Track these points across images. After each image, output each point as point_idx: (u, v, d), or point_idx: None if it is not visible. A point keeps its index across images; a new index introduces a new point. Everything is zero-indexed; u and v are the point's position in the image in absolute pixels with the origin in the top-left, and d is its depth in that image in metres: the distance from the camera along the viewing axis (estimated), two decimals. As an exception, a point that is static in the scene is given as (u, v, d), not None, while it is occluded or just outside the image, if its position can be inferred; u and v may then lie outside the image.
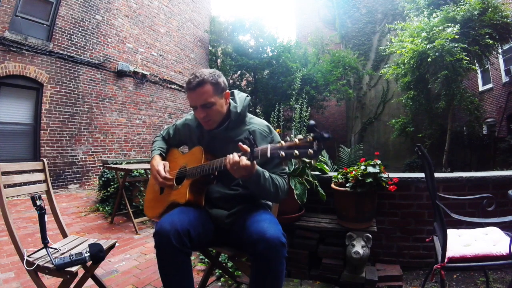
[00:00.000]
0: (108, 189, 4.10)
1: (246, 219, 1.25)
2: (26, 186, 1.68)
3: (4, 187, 1.45)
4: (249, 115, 1.47)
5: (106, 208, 3.94)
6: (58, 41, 5.95)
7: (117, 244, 1.82)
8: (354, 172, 2.00)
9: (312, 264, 2.11)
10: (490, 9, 6.95)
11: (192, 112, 1.56)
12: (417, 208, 2.20)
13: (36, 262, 1.32)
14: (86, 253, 1.32)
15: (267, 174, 1.24)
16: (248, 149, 1.10)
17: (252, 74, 11.67)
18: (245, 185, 1.24)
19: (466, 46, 6.57)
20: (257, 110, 10.45)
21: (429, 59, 6.60)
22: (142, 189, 3.89)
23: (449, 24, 6.69)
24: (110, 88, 7.09)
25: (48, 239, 1.41)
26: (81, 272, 1.43)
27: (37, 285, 1.38)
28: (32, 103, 5.73)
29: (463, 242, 1.42)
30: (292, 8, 30.98)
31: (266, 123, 1.46)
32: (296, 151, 0.97)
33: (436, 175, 1.75)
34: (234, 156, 1.12)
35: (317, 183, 2.15)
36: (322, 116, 13.10)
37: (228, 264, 2.12)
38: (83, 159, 6.44)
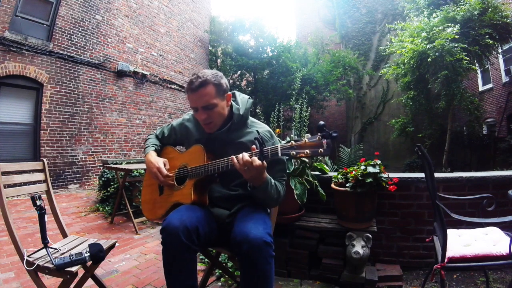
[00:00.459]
0: (108, 189, 4.10)
1: (236, 219, 1.25)
2: (26, 186, 1.68)
3: (4, 187, 1.45)
4: (251, 118, 1.46)
5: (106, 208, 3.94)
6: (58, 41, 5.95)
7: (117, 244, 1.82)
8: (354, 172, 2.00)
9: (312, 264, 2.11)
10: (490, 9, 6.95)
11: (190, 112, 1.55)
12: (417, 208, 2.20)
13: (36, 262, 1.32)
14: (86, 253, 1.32)
15: (273, 181, 1.26)
16: (257, 149, 1.11)
17: (252, 74, 11.67)
18: (253, 191, 1.24)
19: (466, 46, 6.57)
20: (257, 110, 10.45)
21: (429, 59, 6.60)
22: (142, 189, 3.88)
23: (449, 24, 6.69)
24: (110, 88, 7.09)
25: (48, 239, 1.41)
26: (81, 272, 1.43)
27: (37, 285, 1.38)
28: (32, 103, 5.73)
29: (463, 242, 1.42)
30: (292, 8, 31.00)
31: (268, 128, 1.45)
32: (307, 150, 1.01)
33: (436, 175, 1.75)
34: (245, 156, 1.12)
35: (317, 183, 2.15)
36: (322, 116, 13.09)
37: (228, 264, 2.12)
38: (83, 159, 6.45)
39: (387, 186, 1.96)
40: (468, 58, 6.59)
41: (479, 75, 10.25)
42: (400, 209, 2.22)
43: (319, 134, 1.01)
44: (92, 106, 6.66)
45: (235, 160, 1.14)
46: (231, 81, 11.79)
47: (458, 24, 6.71)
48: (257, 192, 1.23)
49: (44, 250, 1.39)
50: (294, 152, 1.03)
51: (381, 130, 11.29)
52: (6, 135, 5.37)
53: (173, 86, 9.04)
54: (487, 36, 6.88)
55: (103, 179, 4.22)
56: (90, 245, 1.37)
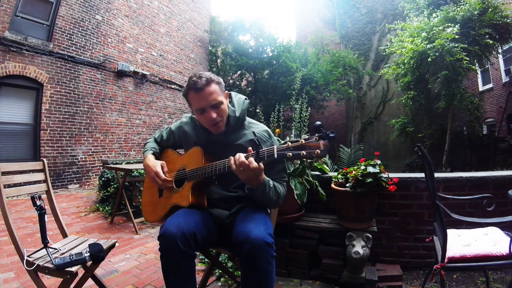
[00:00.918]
0: (108, 189, 4.10)
1: (237, 219, 1.25)
2: (26, 186, 1.68)
3: (4, 187, 1.45)
4: (248, 119, 1.46)
5: (106, 208, 3.94)
6: (58, 41, 5.95)
7: (117, 244, 1.82)
8: (354, 172, 2.00)
9: (312, 264, 2.11)
10: (490, 9, 6.95)
11: (188, 114, 1.55)
12: (417, 208, 2.20)
13: (36, 262, 1.32)
14: (86, 253, 1.32)
15: (271, 183, 1.25)
16: (253, 151, 1.11)
17: (252, 74, 11.67)
18: (251, 193, 1.24)
19: (466, 46, 6.57)
20: (257, 110, 10.45)
21: (429, 59, 6.60)
22: (142, 189, 3.88)
23: (449, 24, 6.69)
24: (110, 88, 7.09)
25: (48, 239, 1.41)
26: (81, 272, 1.43)
27: (37, 285, 1.38)
28: (32, 103, 5.73)
29: (463, 242, 1.42)
30: (292, 8, 31.00)
31: (266, 127, 1.44)
32: (304, 152, 0.99)
33: (436, 175, 1.75)
34: (241, 157, 1.11)
35: (317, 183, 2.15)
36: (322, 116, 13.10)
37: (228, 264, 2.12)
38: (83, 159, 6.45)
39: (387, 186, 1.96)
40: (468, 58, 6.58)
41: (479, 75, 10.25)
42: (400, 209, 2.22)
43: (316, 134, 0.99)
44: (92, 106, 6.66)
45: (232, 162, 1.14)
46: (231, 81, 11.80)
47: (458, 24, 6.71)
48: (255, 194, 1.23)
49: (44, 250, 1.39)
50: (290, 154, 1.01)
51: (381, 130, 11.29)
52: (6, 135, 5.37)
53: (173, 86, 9.04)
54: (487, 36, 6.88)
55: (103, 179, 4.22)
56: (90, 245, 1.38)
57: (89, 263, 1.38)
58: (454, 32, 6.42)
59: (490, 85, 10.15)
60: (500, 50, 8.18)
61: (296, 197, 1.96)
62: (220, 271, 2.08)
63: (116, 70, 7.17)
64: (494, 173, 2.24)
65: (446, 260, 1.29)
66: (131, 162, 4.66)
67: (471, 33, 6.93)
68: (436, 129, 8.50)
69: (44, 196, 1.54)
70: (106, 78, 7.00)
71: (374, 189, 1.95)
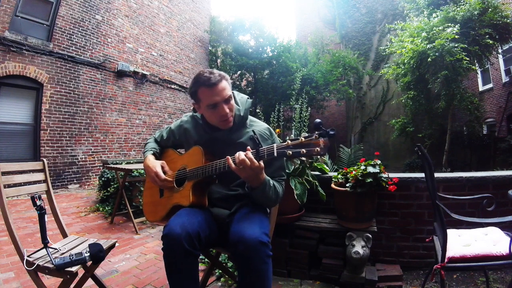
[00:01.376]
0: (108, 189, 4.10)
1: (234, 219, 1.25)
2: (26, 186, 1.68)
3: (4, 187, 1.45)
4: (250, 117, 1.46)
5: (106, 208, 3.94)
6: (58, 41, 5.95)
7: (117, 244, 1.82)
8: (354, 172, 2.00)
9: (312, 264, 2.11)
10: (490, 9, 6.95)
11: (188, 113, 1.55)
12: (417, 208, 2.20)
13: (36, 262, 1.32)
14: (86, 253, 1.32)
15: (271, 182, 1.25)
16: (252, 149, 1.10)
17: (252, 74, 11.67)
18: (251, 192, 1.24)
19: (466, 46, 6.57)
20: (257, 110, 10.45)
21: (429, 59, 6.60)
22: (142, 189, 3.89)
23: (449, 24, 6.69)
24: (110, 88, 7.10)
25: (48, 239, 1.41)
26: (81, 272, 1.43)
27: (37, 285, 1.38)
28: (32, 103, 5.73)
29: (463, 242, 1.42)
30: (292, 8, 31.00)
31: (267, 125, 1.45)
32: (304, 150, 0.98)
33: (436, 175, 1.75)
34: (240, 155, 1.11)
35: (317, 183, 2.15)
36: (322, 116, 13.08)
37: (228, 264, 2.12)
38: (83, 159, 6.45)
39: (387, 186, 1.96)
40: (468, 58, 6.58)
41: (479, 75, 10.25)
42: (400, 209, 2.22)
43: (316, 132, 0.99)
44: (92, 106, 6.66)
45: (230, 161, 1.14)
46: (231, 81, 11.75)
47: (458, 24, 6.71)
48: (255, 193, 1.23)
49: (44, 250, 1.39)
50: (290, 152, 1.01)
51: (381, 130, 11.28)
52: (6, 135, 5.37)
53: (173, 86, 9.04)
54: (487, 36, 6.88)
55: (103, 179, 4.22)
56: (90, 245, 1.38)
57: (89, 263, 1.38)
58: (454, 32, 6.42)
59: (490, 85, 10.15)
60: (500, 50, 8.18)
61: (296, 197, 1.96)
62: (220, 271, 2.08)
63: (116, 70, 7.17)
64: (494, 173, 2.24)
65: (446, 260, 1.29)
66: (131, 162, 4.66)
67: (471, 33, 6.93)
68: (436, 129, 8.50)
69: (44, 196, 1.54)
70: (106, 78, 7.00)
71: (374, 189, 1.95)
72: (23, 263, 1.35)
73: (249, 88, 11.88)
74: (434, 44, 6.52)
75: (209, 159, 1.31)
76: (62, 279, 1.33)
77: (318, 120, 1.00)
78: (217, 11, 30.21)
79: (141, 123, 7.95)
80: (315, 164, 2.33)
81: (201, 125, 1.42)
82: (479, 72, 9.55)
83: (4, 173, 1.47)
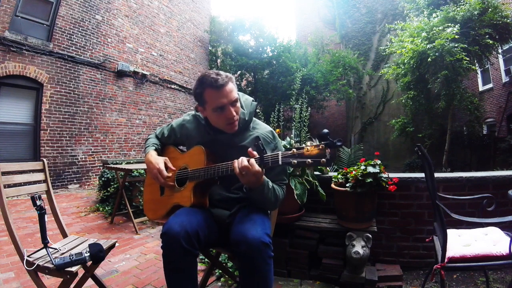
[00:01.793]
0: (108, 189, 4.10)
1: (235, 219, 1.25)
2: (26, 186, 1.68)
3: (4, 187, 1.45)
4: (253, 119, 1.45)
5: (106, 208, 3.94)
6: (58, 41, 5.95)
7: (117, 244, 1.82)
8: (354, 172, 2.00)
9: (312, 264, 2.11)
10: (490, 9, 6.95)
11: (191, 112, 1.53)
12: (417, 208, 2.20)
13: (36, 262, 1.32)
14: (86, 253, 1.32)
15: (270, 184, 1.24)
16: (257, 155, 1.10)
17: (252, 74, 11.67)
18: (249, 193, 1.23)
19: (466, 46, 6.57)
20: (257, 110, 10.43)
21: (429, 59, 6.60)
22: (142, 189, 3.89)
23: (449, 24, 6.69)
24: (110, 88, 7.10)
25: (48, 239, 1.41)
26: (81, 272, 1.43)
27: (37, 285, 1.38)
28: (32, 103, 5.73)
29: (463, 242, 1.42)
30: (292, 8, 31.00)
31: (270, 128, 1.43)
32: (309, 160, 0.97)
33: (436, 175, 1.75)
34: (243, 161, 1.10)
35: (317, 183, 2.15)
36: (322, 116, 13.11)
37: (228, 264, 2.12)
38: (83, 159, 6.45)
39: (387, 186, 1.96)
40: (468, 58, 6.58)
41: (479, 75, 10.25)
42: (400, 209, 2.22)
43: (322, 142, 0.97)
44: (92, 106, 6.66)
45: (236, 165, 1.13)
46: (231, 81, 11.77)
47: (458, 24, 6.71)
48: (253, 194, 1.22)
49: (44, 250, 1.39)
50: (295, 161, 1.00)
51: (381, 130, 11.29)
52: (6, 135, 5.37)
53: (173, 86, 9.04)
54: (487, 36, 6.88)
55: (103, 179, 4.22)
56: (90, 245, 1.37)
57: (89, 263, 1.38)
58: (454, 32, 6.42)
59: (490, 85, 10.15)
60: (500, 50, 8.18)
61: (296, 197, 1.96)
62: (220, 271, 2.08)
63: (116, 70, 7.17)
64: (494, 173, 2.24)
65: (446, 260, 1.29)
66: (131, 162, 4.66)
67: (471, 33, 6.93)
68: (436, 129, 8.50)
69: (44, 196, 1.54)
70: (106, 78, 7.00)
71: (374, 189, 1.95)
72: (23, 263, 1.35)
73: (249, 88, 11.88)
74: (434, 44, 6.52)
75: (212, 160, 1.30)
76: (62, 279, 1.32)
77: (325, 131, 0.98)
78: (217, 11, 30.24)
79: (141, 123, 7.95)
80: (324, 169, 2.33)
81: (203, 125, 1.40)
82: (479, 72, 9.56)
83: (4, 173, 1.47)
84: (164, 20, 8.79)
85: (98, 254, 1.34)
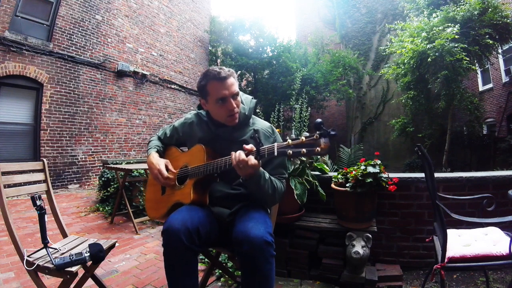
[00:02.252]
0: (108, 189, 4.10)
1: (237, 218, 1.25)
2: (26, 186, 1.68)
3: (4, 187, 1.45)
4: (253, 116, 1.48)
5: (106, 208, 3.94)
6: (58, 41, 5.95)
7: (117, 244, 1.82)
8: (354, 172, 2.00)
9: (312, 264, 2.11)
10: (490, 9, 6.95)
11: (192, 111, 1.55)
12: (417, 208, 2.20)
13: (36, 262, 1.32)
14: (86, 253, 1.32)
15: (267, 175, 1.25)
16: (254, 148, 1.12)
17: (252, 74, 11.67)
18: (245, 183, 1.24)
19: (466, 46, 6.57)
20: (257, 110, 10.45)
21: (429, 59, 6.60)
22: (142, 189, 3.89)
23: (449, 24, 6.68)
24: (110, 88, 7.10)
25: (48, 239, 1.41)
26: (81, 272, 1.43)
27: (37, 285, 1.38)
28: (32, 103, 5.73)
29: (463, 242, 1.42)
30: (292, 8, 31.00)
31: (269, 124, 1.47)
32: (304, 149, 0.99)
33: (436, 175, 1.75)
34: (241, 154, 1.12)
35: (317, 183, 2.15)
36: (322, 116, 13.08)
37: (228, 264, 2.12)
38: (83, 159, 6.45)
39: (387, 186, 1.96)
40: (468, 58, 6.58)
41: (479, 75, 10.25)
42: (400, 209, 2.22)
43: (317, 132, 0.99)
44: (92, 106, 6.66)
45: (233, 157, 1.15)
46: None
47: (458, 24, 6.70)
48: (250, 184, 1.23)
49: (44, 250, 1.39)
50: (291, 151, 1.01)
51: (381, 130, 11.28)
52: (6, 135, 5.37)
53: (173, 86, 9.04)
54: (487, 36, 6.88)
55: (103, 179, 4.22)
56: (90, 245, 1.38)
57: (89, 263, 1.38)
58: (454, 32, 6.42)
59: (490, 85, 10.15)
60: (500, 50, 8.17)
61: (296, 197, 1.96)
62: (220, 271, 2.08)
63: (116, 70, 7.17)
64: (494, 173, 2.24)
65: (446, 260, 1.29)
66: (131, 162, 4.66)
67: (471, 33, 6.93)
68: (436, 129, 8.50)
69: (44, 196, 1.54)
70: (106, 78, 7.00)
71: (374, 189, 1.95)
72: (23, 263, 1.35)
73: (249, 88, 11.88)
74: (434, 44, 6.51)
75: (211, 157, 1.32)
76: (62, 279, 1.32)
77: (319, 120, 0.99)
78: (217, 11, 30.23)
79: (141, 123, 7.95)
80: (315, 164, 2.33)
81: (205, 122, 1.43)
82: (479, 72, 9.55)
83: (4, 173, 1.47)
84: (164, 20, 8.79)
85: (98, 254, 1.34)
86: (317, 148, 0.97)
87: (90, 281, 1.56)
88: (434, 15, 7.27)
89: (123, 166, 3.64)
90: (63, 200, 4.75)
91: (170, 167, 1.43)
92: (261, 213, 1.28)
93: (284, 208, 2.06)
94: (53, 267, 1.27)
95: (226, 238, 1.37)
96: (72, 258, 1.29)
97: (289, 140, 1.03)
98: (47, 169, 1.76)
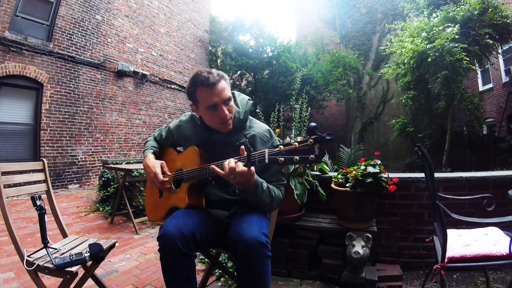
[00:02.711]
0: (108, 189, 4.10)
1: (233, 219, 1.24)
2: (26, 186, 1.68)
3: (4, 187, 1.45)
4: (250, 118, 1.42)
5: (106, 208, 3.94)
6: (58, 41, 5.95)
7: (117, 244, 1.82)
8: (354, 172, 2.00)
9: (312, 264, 2.11)
10: (490, 9, 6.95)
11: (188, 113, 1.52)
12: (417, 208, 2.20)
13: (36, 262, 1.32)
14: (86, 253, 1.32)
15: (265, 185, 1.21)
16: (245, 153, 1.07)
17: (252, 74, 11.67)
18: (241, 194, 1.21)
19: (466, 46, 6.57)
20: (257, 110, 10.45)
21: (429, 59, 6.60)
22: (142, 189, 3.89)
23: (449, 24, 6.69)
24: (110, 88, 7.10)
25: (48, 239, 1.41)
26: (81, 272, 1.43)
27: (37, 285, 1.38)
28: (32, 103, 5.73)
29: (463, 242, 1.42)
30: (292, 8, 30.99)
31: (267, 127, 1.40)
32: (297, 157, 0.93)
33: (436, 175, 1.75)
34: (230, 162, 1.08)
35: (317, 183, 2.15)
36: (322, 116, 13.10)
37: (228, 264, 2.12)
38: (83, 159, 6.45)
39: (387, 186, 1.96)
40: (468, 58, 6.58)
41: (479, 75, 10.25)
42: (400, 209, 2.22)
43: (311, 137, 0.92)
44: (92, 106, 6.66)
45: (217, 169, 1.11)
46: (231, 81, 11.80)
47: (458, 24, 6.71)
48: (245, 195, 1.20)
49: (44, 250, 1.39)
50: (282, 159, 0.95)
51: (381, 130, 11.29)
52: (6, 135, 5.37)
53: (173, 86, 9.04)
54: (487, 36, 6.88)
55: (103, 179, 4.22)
56: (90, 245, 1.38)
57: (89, 263, 1.38)
58: (454, 32, 6.42)
59: (490, 85, 10.15)
60: (500, 50, 8.17)
61: (296, 197, 1.96)
62: (220, 271, 2.08)
63: (116, 70, 7.17)
64: (494, 173, 2.24)
65: (446, 260, 1.29)
66: (131, 162, 4.66)
67: (471, 33, 6.93)
68: (436, 129, 8.50)
69: (44, 196, 1.54)
70: (106, 78, 7.00)
71: (374, 189, 1.95)
72: (23, 263, 1.35)
73: (249, 88, 11.89)
74: (434, 44, 6.52)
75: (206, 160, 1.29)
76: (62, 279, 1.32)
77: (313, 124, 0.92)
78: (217, 11, 30.22)
79: (141, 123, 7.95)
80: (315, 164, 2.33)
81: (199, 125, 1.39)
82: (479, 72, 9.56)
83: (4, 173, 1.47)
84: (164, 20, 8.79)
85: (98, 254, 1.34)
86: (311, 155, 0.91)
87: (90, 281, 1.56)
88: (434, 15, 7.27)
89: (123, 166, 3.64)
90: (63, 200, 4.75)
91: (166, 169, 1.40)
92: (257, 214, 1.26)
93: (284, 208, 2.06)
94: (53, 267, 1.27)
95: (226, 239, 1.37)
96: (72, 258, 1.29)
97: (281, 146, 0.97)
98: (47, 169, 1.76)
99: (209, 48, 11.39)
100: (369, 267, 2.04)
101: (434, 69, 7.04)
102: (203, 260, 2.27)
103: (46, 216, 1.43)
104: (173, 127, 1.52)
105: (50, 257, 1.32)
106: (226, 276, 2.03)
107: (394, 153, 10.49)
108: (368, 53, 11.79)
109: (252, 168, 1.09)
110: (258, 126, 1.39)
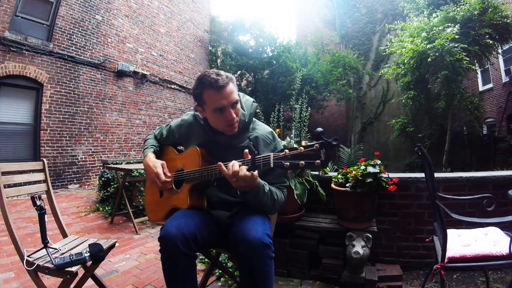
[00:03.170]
0: (108, 189, 4.10)
1: (235, 220, 1.24)
2: (26, 186, 1.68)
3: (4, 187, 1.45)
4: (253, 120, 1.41)
5: (106, 208, 3.94)
6: (58, 41, 5.95)
7: (117, 244, 1.82)
8: (354, 172, 2.00)
9: (312, 264, 2.11)
10: (490, 9, 6.96)
11: (189, 112, 1.49)
12: (417, 208, 2.20)
13: (36, 262, 1.32)
14: (86, 253, 1.32)
15: (267, 187, 1.21)
16: (249, 157, 1.06)
17: (252, 74, 11.68)
18: (243, 197, 1.20)
19: (466, 46, 6.57)
20: (257, 111, 10.44)
21: (429, 59, 6.60)
22: (142, 189, 3.89)
23: (449, 24, 6.69)
24: (110, 88, 7.10)
25: (48, 239, 1.41)
26: (81, 272, 1.43)
27: (37, 285, 1.38)
28: (32, 103, 5.73)
29: (463, 242, 1.42)
30: (292, 8, 31.00)
31: (270, 129, 1.39)
32: (302, 162, 0.92)
33: (436, 175, 1.75)
34: (234, 165, 1.08)
35: (317, 183, 2.15)
36: (322, 116, 13.10)
37: (228, 264, 2.12)
38: (83, 159, 6.45)
39: (387, 186, 1.96)
40: (468, 58, 6.59)
41: (479, 75, 10.25)
42: (400, 209, 2.22)
43: (317, 142, 0.91)
44: (92, 106, 6.66)
45: (223, 168, 1.10)
46: (231, 81, 11.77)
47: (458, 24, 6.71)
48: (247, 197, 1.19)
49: (44, 250, 1.39)
50: (288, 163, 0.94)
51: (381, 130, 11.29)
52: (6, 135, 5.37)
53: (173, 86, 9.04)
54: (487, 36, 6.89)
55: (103, 179, 4.22)
56: (90, 245, 1.38)
57: (89, 263, 1.38)
58: (454, 32, 6.42)
59: (490, 85, 10.15)
60: (500, 50, 8.18)
61: (296, 197, 1.96)
62: (220, 271, 2.08)
63: (116, 70, 7.17)
64: (494, 173, 2.24)
65: (446, 260, 1.29)
66: (131, 162, 4.66)
67: (471, 33, 6.93)
68: (436, 129, 8.50)
69: (44, 196, 1.54)
70: (106, 78, 7.00)
71: (374, 189, 1.95)
72: (23, 263, 1.35)
73: (249, 88, 11.88)
74: (434, 44, 6.52)
75: (207, 161, 1.28)
76: (62, 279, 1.32)
77: (319, 129, 0.91)
78: (217, 11, 30.21)
79: (141, 123, 7.95)
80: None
81: (202, 125, 1.37)
82: (479, 72, 9.56)
83: (4, 173, 1.47)
84: (164, 20, 8.79)
85: (98, 254, 1.34)
86: (317, 160, 0.90)
87: (90, 281, 1.56)
88: (434, 15, 7.27)
89: (123, 166, 3.64)
90: (63, 200, 4.75)
91: (166, 170, 1.37)
92: (260, 214, 1.25)
93: (284, 208, 2.04)
94: (53, 267, 1.27)
95: (226, 240, 1.36)
96: (72, 258, 1.29)
97: (286, 150, 0.97)
98: (47, 169, 1.76)
99: (209, 48, 11.39)
100: (369, 267, 2.04)
101: (434, 69, 7.04)
102: (203, 260, 2.27)
103: (46, 216, 1.43)
104: (175, 126, 1.50)
105: (50, 257, 1.32)
106: (226, 276, 2.03)
107: (394, 153, 10.49)
108: (368, 53, 11.79)
109: (255, 172, 1.08)
110: (261, 128, 1.38)
